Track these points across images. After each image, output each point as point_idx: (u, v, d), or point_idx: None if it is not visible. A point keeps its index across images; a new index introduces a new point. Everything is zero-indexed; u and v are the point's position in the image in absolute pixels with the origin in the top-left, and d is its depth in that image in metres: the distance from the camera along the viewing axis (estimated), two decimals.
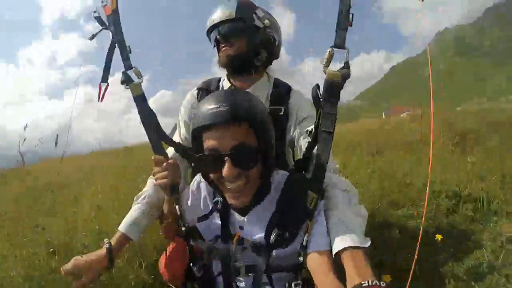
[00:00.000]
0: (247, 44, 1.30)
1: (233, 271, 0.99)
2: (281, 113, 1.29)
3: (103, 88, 1.14)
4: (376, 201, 2.78)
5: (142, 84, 1.09)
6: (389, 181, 3.15)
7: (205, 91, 1.42)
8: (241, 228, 1.01)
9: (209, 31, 1.36)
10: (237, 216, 1.02)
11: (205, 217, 1.06)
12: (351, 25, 0.89)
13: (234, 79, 1.40)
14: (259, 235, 0.98)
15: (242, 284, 1.04)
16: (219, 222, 1.04)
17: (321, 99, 0.89)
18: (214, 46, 1.38)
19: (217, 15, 1.30)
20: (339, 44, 0.88)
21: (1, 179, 4.62)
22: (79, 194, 3.00)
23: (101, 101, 1.15)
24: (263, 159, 0.91)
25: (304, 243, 0.90)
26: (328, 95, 0.87)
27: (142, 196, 1.19)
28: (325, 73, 0.87)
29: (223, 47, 1.32)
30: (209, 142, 0.88)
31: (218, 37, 1.32)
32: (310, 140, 0.96)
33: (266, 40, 1.33)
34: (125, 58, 1.09)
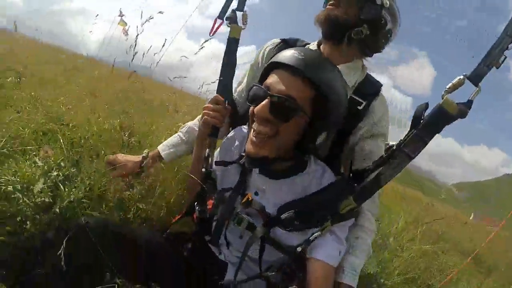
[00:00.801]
0: (355, 12, 1.11)
1: (223, 228, 0.98)
2: (360, 107, 1.12)
3: (217, 24, 1.17)
4: None
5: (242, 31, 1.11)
6: None
7: (287, 44, 1.28)
8: (256, 194, 0.98)
9: None
10: (258, 180, 0.98)
11: (224, 163, 1.02)
12: (497, 67, 0.78)
13: (324, 44, 1.23)
14: (271, 210, 0.95)
15: (225, 251, 1.01)
16: (237, 177, 1.00)
17: (421, 120, 0.81)
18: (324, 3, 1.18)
19: None
20: (474, 79, 0.78)
21: None
22: None
23: (212, 35, 1.22)
24: (304, 130, 0.87)
25: (311, 238, 0.90)
26: (432, 121, 0.79)
27: (186, 127, 1.32)
28: (442, 98, 0.79)
29: (330, 4, 1.14)
30: (269, 79, 0.88)
31: None
32: (384, 155, 0.89)
33: (377, 19, 1.12)
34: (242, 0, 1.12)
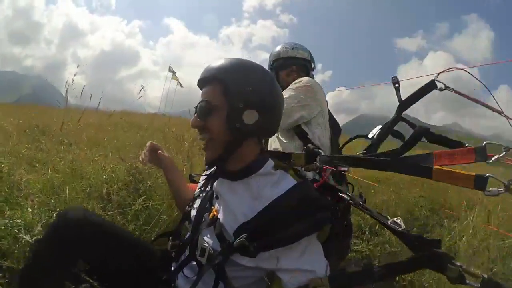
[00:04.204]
0: None
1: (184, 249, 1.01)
2: None
3: None
4: None
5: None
6: None
7: None
8: (217, 197, 0.99)
9: None
10: (218, 184, 1.01)
11: (191, 179, 1.25)
12: None
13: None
14: (229, 225, 0.89)
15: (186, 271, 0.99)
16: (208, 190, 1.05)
17: None
18: None
19: None
20: None
21: None
22: None
23: None
24: (228, 119, 0.90)
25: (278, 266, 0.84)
26: None
27: None
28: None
29: None
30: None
31: None
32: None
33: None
34: None
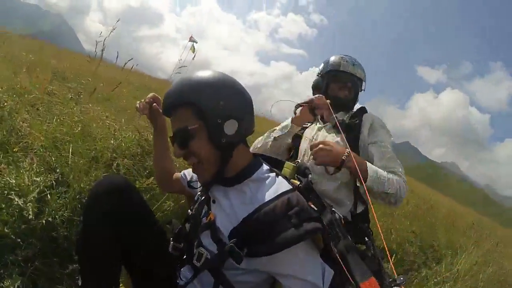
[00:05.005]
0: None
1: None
2: (357, 121, 1.55)
3: None
4: None
5: None
6: None
7: None
8: (213, 202, 0.97)
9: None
10: (214, 189, 0.99)
11: (189, 185, 1.18)
12: None
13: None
14: (226, 229, 0.89)
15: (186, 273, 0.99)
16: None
17: None
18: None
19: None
20: None
21: None
22: None
23: None
24: (208, 136, 0.90)
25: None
26: None
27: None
28: None
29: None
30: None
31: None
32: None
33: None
34: None
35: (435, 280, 2.61)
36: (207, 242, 0.92)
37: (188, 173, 1.28)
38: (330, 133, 1.58)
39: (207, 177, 0.94)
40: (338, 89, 1.65)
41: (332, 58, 1.68)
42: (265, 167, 0.98)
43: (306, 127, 1.69)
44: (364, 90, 1.73)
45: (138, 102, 1.27)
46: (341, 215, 0.96)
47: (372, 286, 0.77)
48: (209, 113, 0.88)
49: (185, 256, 1.01)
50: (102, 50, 1.94)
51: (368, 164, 1.32)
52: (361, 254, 0.96)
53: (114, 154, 1.71)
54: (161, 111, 1.08)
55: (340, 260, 0.84)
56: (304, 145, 1.61)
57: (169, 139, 1.05)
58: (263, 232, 0.82)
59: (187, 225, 1.06)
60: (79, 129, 1.74)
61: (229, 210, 0.91)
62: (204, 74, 0.92)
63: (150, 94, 1.27)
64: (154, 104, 1.25)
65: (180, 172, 1.31)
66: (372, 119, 1.57)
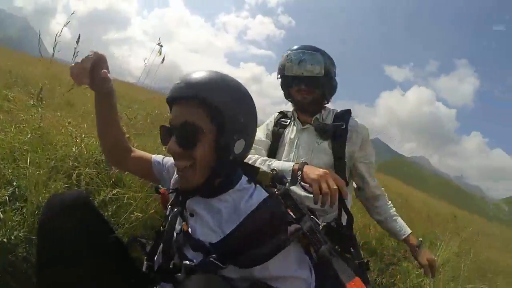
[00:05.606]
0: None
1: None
2: (343, 127, 1.47)
3: None
4: None
5: None
6: None
7: (282, 114, 1.66)
8: (192, 215, 0.91)
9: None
10: (193, 201, 0.92)
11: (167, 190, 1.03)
12: None
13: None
14: (208, 240, 0.84)
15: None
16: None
17: None
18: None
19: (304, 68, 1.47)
20: None
21: None
22: None
23: None
24: (217, 145, 0.83)
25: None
26: None
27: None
28: None
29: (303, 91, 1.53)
30: (170, 116, 0.88)
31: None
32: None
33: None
34: None
35: (416, 273, 2.66)
36: (190, 255, 0.86)
37: (165, 162, 1.14)
38: (315, 137, 1.49)
39: (193, 185, 0.87)
40: (295, 92, 1.53)
41: (281, 60, 1.53)
42: (245, 177, 0.94)
43: (286, 125, 1.59)
44: (333, 77, 1.54)
45: (71, 66, 0.90)
46: (320, 222, 0.95)
47: (357, 285, 0.76)
48: (229, 126, 0.82)
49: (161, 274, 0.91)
50: (54, 47, 1.78)
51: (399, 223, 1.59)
52: (343, 258, 0.92)
53: (76, 163, 1.57)
54: (110, 77, 0.93)
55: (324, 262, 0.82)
56: (287, 147, 1.52)
57: (160, 128, 0.91)
58: (251, 244, 0.79)
59: (160, 241, 0.96)
60: (38, 137, 1.59)
61: (212, 223, 0.87)
62: (232, 80, 0.87)
63: (90, 52, 0.92)
64: (104, 70, 0.92)
65: (152, 155, 1.17)
66: (363, 133, 1.49)
